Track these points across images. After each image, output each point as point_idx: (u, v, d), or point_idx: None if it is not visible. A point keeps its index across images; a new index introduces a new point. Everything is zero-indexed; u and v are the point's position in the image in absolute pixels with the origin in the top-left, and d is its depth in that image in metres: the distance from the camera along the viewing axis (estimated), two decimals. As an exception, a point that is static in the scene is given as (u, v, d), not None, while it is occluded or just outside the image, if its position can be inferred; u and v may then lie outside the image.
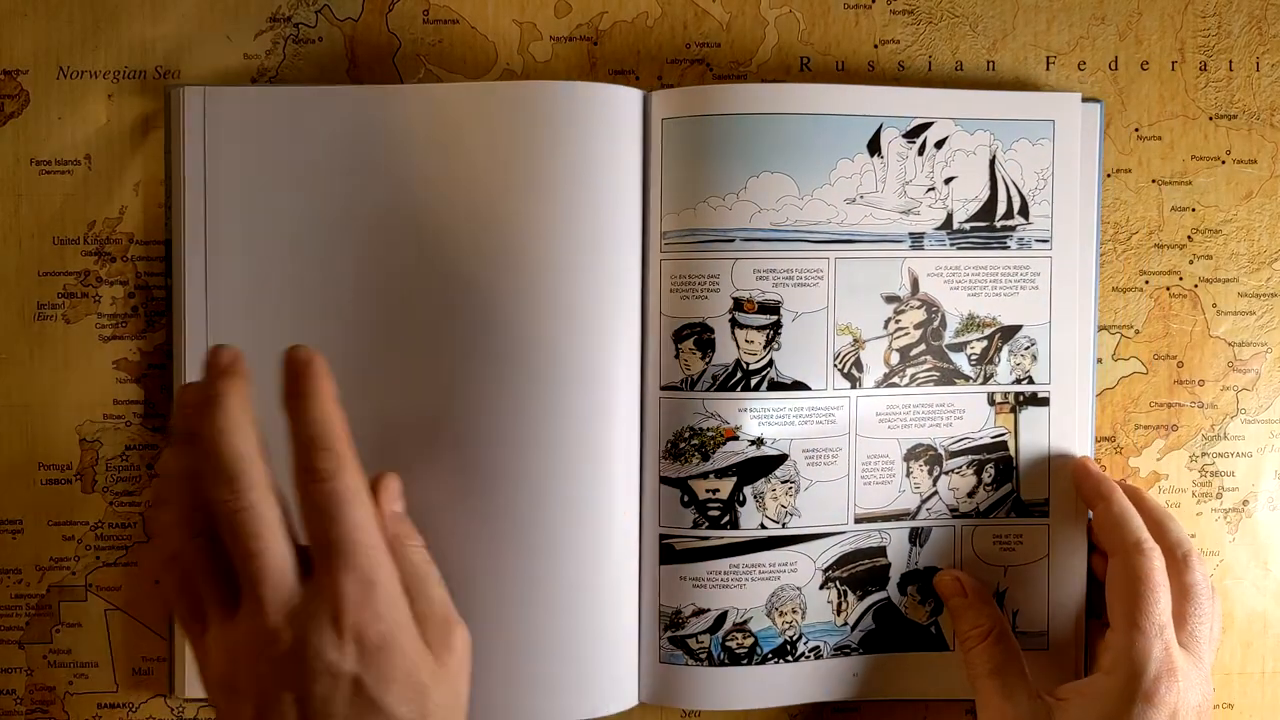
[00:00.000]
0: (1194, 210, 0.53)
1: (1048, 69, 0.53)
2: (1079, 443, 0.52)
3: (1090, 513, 0.51)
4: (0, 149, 0.51)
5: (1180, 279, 0.53)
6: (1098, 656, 0.48)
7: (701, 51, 0.52)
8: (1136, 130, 0.53)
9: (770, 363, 0.50)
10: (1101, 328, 0.53)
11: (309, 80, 0.51)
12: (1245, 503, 0.54)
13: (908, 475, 0.51)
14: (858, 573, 0.51)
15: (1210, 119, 0.53)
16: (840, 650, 0.51)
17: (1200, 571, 0.48)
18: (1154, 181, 0.53)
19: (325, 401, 0.41)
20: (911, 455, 0.51)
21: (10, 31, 0.51)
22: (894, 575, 0.51)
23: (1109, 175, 0.53)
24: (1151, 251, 0.53)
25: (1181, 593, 0.47)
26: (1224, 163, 0.53)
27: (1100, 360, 0.53)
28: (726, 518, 0.50)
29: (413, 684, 0.39)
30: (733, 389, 0.49)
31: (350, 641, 0.38)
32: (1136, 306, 0.53)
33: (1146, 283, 0.53)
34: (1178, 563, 0.48)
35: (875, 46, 0.52)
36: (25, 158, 0.51)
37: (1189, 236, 0.53)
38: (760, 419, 0.50)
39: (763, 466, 0.50)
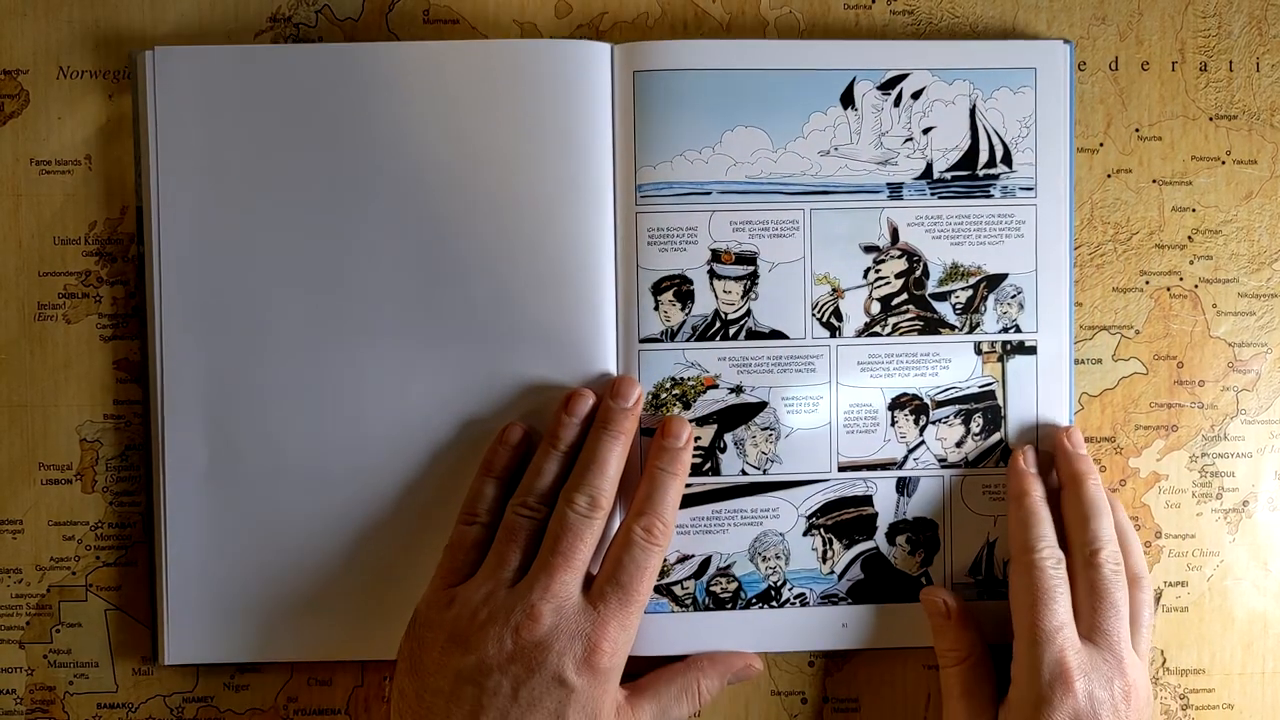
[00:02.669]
0: (1194, 210, 0.53)
1: (1048, 69, 0.53)
2: (1064, 395, 0.52)
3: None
4: (0, 149, 0.51)
5: (1180, 279, 0.53)
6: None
7: (702, 52, 0.52)
8: (1137, 130, 0.53)
9: (748, 312, 0.50)
10: (1102, 328, 0.53)
11: (309, 80, 0.51)
12: (1245, 503, 0.54)
13: (893, 424, 0.51)
14: (843, 521, 0.51)
15: (1210, 119, 0.53)
16: (828, 599, 0.51)
17: (1107, 567, 0.48)
18: (1154, 182, 0.53)
19: (681, 482, 0.48)
20: (896, 404, 0.51)
21: (10, 31, 0.51)
22: (882, 525, 0.52)
23: (1109, 175, 0.53)
24: (1152, 252, 0.53)
25: (1089, 589, 0.48)
26: (1224, 163, 0.53)
27: (1100, 360, 0.53)
28: (708, 465, 0.51)
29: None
30: (712, 339, 0.50)
31: (586, 661, 0.45)
32: (1137, 307, 0.53)
33: (1147, 283, 0.53)
34: (1085, 560, 0.48)
35: (875, 47, 0.52)
36: (25, 158, 0.51)
37: (1189, 237, 0.53)
38: (739, 368, 0.50)
39: (743, 414, 0.51)
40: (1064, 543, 0.49)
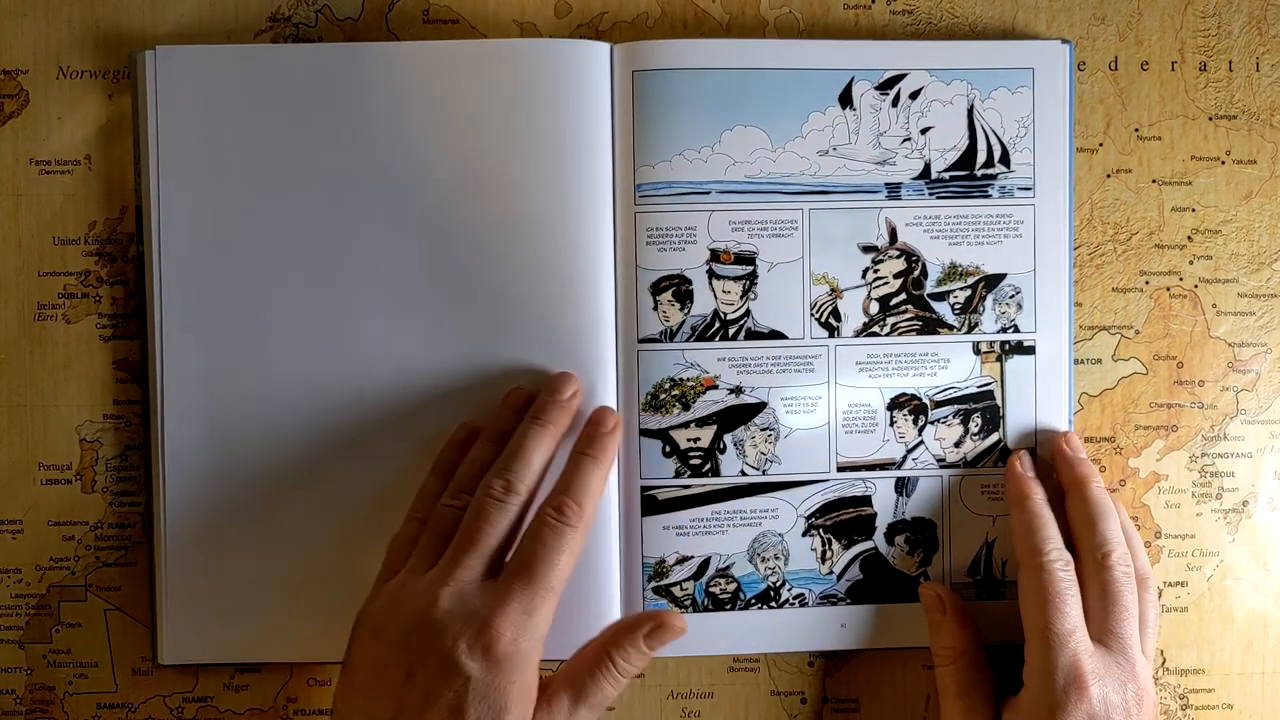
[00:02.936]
0: (1194, 210, 0.53)
1: (1048, 69, 0.53)
2: (1063, 395, 0.52)
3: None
4: (0, 149, 0.51)
5: (1180, 279, 0.53)
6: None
7: (701, 52, 0.52)
8: (1136, 130, 0.53)
9: (747, 313, 0.51)
10: (1101, 328, 0.53)
11: (309, 80, 0.51)
12: (1245, 503, 0.54)
13: (891, 424, 0.51)
14: (842, 521, 0.51)
15: (1210, 119, 0.53)
16: (827, 599, 0.52)
17: (1119, 569, 0.48)
18: (1154, 182, 0.53)
19: (604, 468, 0.47)
20: (895, 404, 0.51)
21: (10, 31, 0.51)
22: (880, 525, 0.52)
23: (1109, 175, 0.53)
24: (1151, 252, 0.53)
25: (1101, 592, 0.48)
26: (1224, 163, 0.53)
27: (1099, 360, 0.53)
28: (708, 465, 0.51)
29: (494, 715, 0.42)
30: (711, 339, 0.50)
31: (482, 645, 0.42)
32: (1136, 307, 0.53)
33: (1147, 283, 0.53)
34: (1096, 563, 0.48)
35: (875, 47, 0.52)
36: (25, 158, 0.51)
37: (1189, 237, 0.53)
38: (739, 368, 0.50)
39: (742, 414, 0.51)
40: (1069, 546, 0.49)
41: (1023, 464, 0.51)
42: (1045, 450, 0.52)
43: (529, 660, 0.43)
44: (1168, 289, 0.53)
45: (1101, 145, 0.53)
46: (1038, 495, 0.50)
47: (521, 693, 0.43)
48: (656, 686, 0.53)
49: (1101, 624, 0.47)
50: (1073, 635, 0.46)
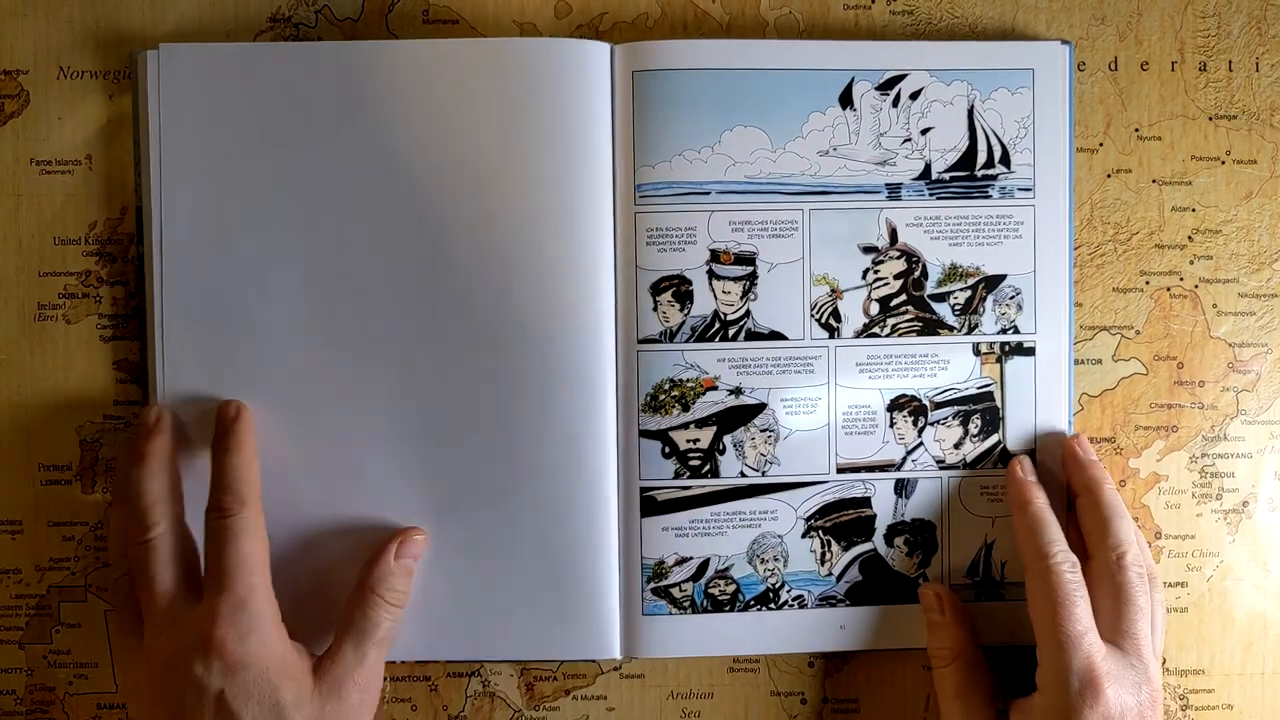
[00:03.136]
0: (1194, 210, 0.53)
1: (1048, 69, 0.53)
2: (1063, 396, 0.52)
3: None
4: (0, 149, 0.51)
5: (1180, 279, 0.53)
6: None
7: (701, 52, 0.52)
8: (1136, 130, 0.53)
9: (747, 313, 0.51)
10: (1102, 328, 0.53)
11: (309, 80, 0.51)
12: (1245, 504, 0.53)
13: (891, 426, 0.51)
14: (842, 523, 0.51)
15: (1210, 119, 0.53)
16: (826, 601, 0.51)
17: (1134, 570, 0.48)
18: (1154, 182, 0.53)
19: (243, 453, 0.47)
20: (895, 406, 0.51)
21: (10, 31, 0.51)
22: (880, 527, 0.52)
23: (1109, 175, 0.53)
24: (1152, 252, 0.53)
25: (1115, 593, 0.48)
26: (1224, 163, 0.53)
27: (1100, 361, 0.53)
28: (707, 467, 0.51)
29: (271, 705, 0.43)
30: (711, 340, 0.50)
31: (215, 658, 0.43)
32: (1137, 307, 0.53)
33: (1147, 283, 0.53)
34: (1110, 564, 0.48)
35: (875, 47, 0.52)
36: (25, 158, 0.51)
37: (1189, 237, 0.53)
38: (738, 369, 0.50)
39: (742, 415, 0.51)
40: (1074, 548, 0.49)
41: (1024, 468, 0.51)
42: (1045, 453, 0.52)
43: (268, 645, 0.44)
44: (1168, 289, 0.53)
45: (1101, 145, 0.53)
46: (1040, 499, 0.50)
47: (283, 670, 0.44)
48: (656, 687, 0.53)
49: (1114, 624, 0.47)
50: (1084, 637, 0.46)
